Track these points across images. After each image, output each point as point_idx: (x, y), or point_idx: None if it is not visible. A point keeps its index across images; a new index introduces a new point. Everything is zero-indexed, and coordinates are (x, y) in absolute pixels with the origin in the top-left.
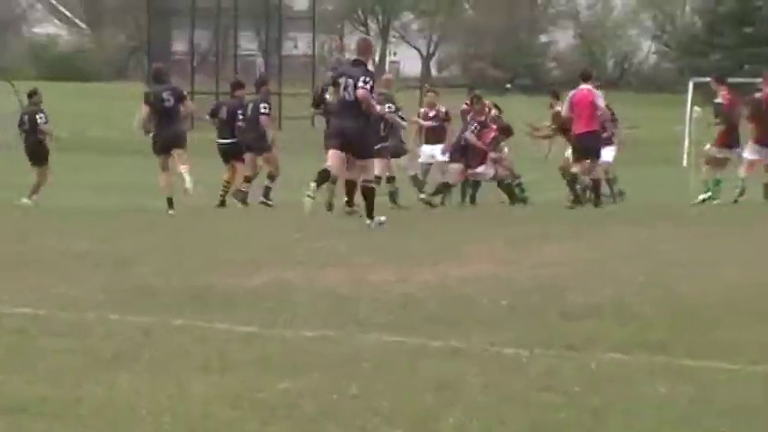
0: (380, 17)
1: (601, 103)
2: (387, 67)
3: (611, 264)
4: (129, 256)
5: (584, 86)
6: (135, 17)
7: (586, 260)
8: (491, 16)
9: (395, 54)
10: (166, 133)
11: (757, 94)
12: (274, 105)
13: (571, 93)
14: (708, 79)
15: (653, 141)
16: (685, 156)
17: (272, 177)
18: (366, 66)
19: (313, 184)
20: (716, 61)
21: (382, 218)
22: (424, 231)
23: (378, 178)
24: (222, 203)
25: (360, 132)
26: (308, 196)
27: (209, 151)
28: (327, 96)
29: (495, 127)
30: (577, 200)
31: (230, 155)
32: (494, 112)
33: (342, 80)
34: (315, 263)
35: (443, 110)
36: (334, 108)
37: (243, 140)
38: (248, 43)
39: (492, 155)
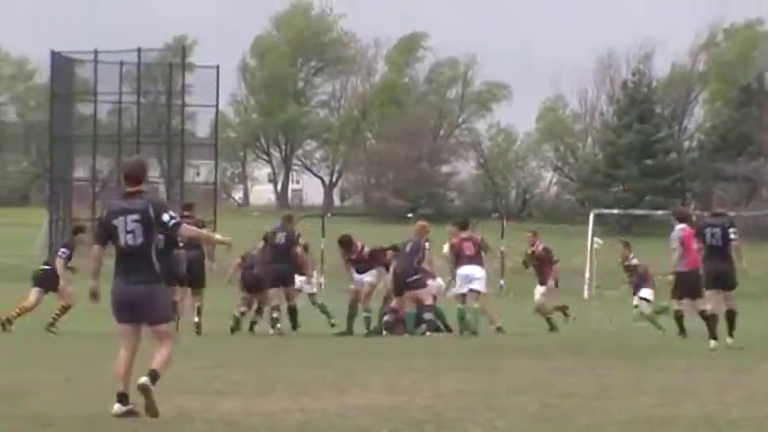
0: (283, 145)
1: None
2: (289, 196)
3: (505, 395)
4: (25, 386)
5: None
6: (37, 143)
7: (480, 391)
8: (393, 146)
9: (298, 182)
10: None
11: None
12: None
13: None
14: (611, 211)
15: None
16: (586, 287)
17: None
18: (729, 216)
19: None
20: (616, 193)
21: None
22: (323, 359)
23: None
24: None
25: (732, 273)
26: None
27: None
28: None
29: None
30: None
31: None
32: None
33: (707, 230)
34: (210, 391)
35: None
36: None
37: None
38: (150, 170)
39: None
